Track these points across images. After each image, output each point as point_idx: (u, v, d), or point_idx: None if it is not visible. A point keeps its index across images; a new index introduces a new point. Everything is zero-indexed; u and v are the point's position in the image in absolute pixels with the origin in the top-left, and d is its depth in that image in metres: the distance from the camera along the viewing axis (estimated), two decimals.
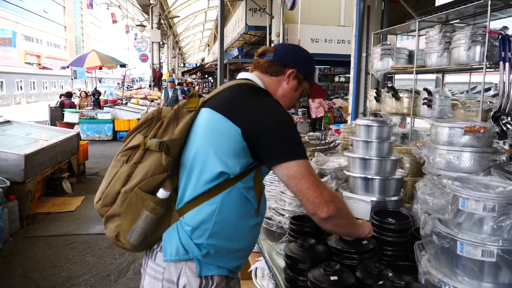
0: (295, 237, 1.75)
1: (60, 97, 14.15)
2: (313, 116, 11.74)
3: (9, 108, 24.47)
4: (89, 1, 37.99)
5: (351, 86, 5.23)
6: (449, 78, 7.33)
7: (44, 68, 41.48)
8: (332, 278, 1.37)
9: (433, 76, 4.01)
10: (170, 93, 12.67)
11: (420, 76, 3.72)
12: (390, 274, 1.42)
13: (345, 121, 9.39)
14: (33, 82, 35.02)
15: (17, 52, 39.93)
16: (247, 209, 1.36)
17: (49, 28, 54.28)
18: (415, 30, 3.56)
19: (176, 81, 16.67)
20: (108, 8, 30.10)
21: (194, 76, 30.22)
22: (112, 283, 3.63)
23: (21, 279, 3.71)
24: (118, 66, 15.74)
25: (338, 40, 11.54)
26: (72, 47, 62.78)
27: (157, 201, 1.28)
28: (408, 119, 3.75)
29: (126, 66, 19.45)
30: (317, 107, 11.61)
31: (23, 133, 6.68)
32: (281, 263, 1.79)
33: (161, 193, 1.29)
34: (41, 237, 4.67)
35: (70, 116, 12.03)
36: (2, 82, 28.44)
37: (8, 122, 7.19)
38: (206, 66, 23.40)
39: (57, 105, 13.18)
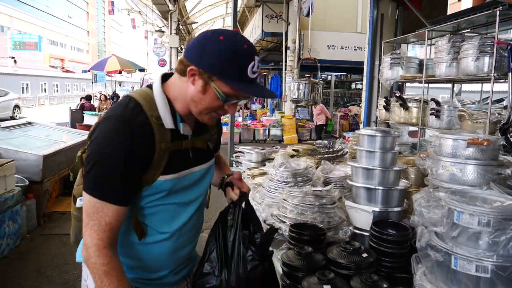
0: (294, 245, 1.77)
1: (81, 100, 14.48)
2: (314, 123, 11.73)
3: (33, 110, 25.15)
4: (111, 7, 38.89)
5: (364, 94, 5.21)
6: (466, 86, 7.21)
7: (67, 71, 42.54)
8: (326, 286, 1.39)
9: (449, 85, 3.96)
10: None
11: (437, 85, 3.69)
12: (385, 286, 1.42)
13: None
14: (57, 85, 35.93)
15: (42, 55, 41.08)
16: (128, 228, 1.33)
17: (73, 33, 55.70)
18: (427, 39, 3.54)
19: None
20: (129, 14, 30.75)
21: None
22: None
23: (35, 275, 3.83)
24: (137, 70, 16.04)
25: (354, 47, 11.49)
26: (94, 51, 64.22)
27: (76, 209, 1.41)
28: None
29: (145, 70, 19.81)
30: (317, 114, 11.57)
31: (43, 134, 6.87)
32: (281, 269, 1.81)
33: (78, 203, 1.38)
34: (56, 235, 4.80)
35: (89, 118, 12.30)
36: (27, 85, 29.28)
37: (29, 123, 7.43)
38: None
39: (78, 108, 13.49)
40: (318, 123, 11.63)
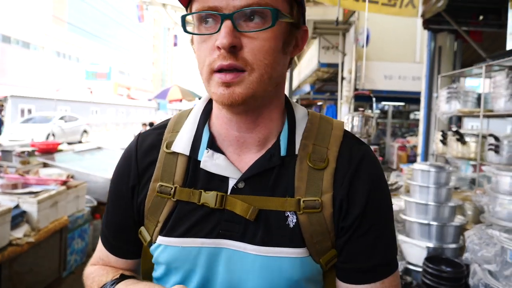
0: None
1: (143, 126, 15.42)
2: None
3: (101, 134, 27.06)
4: (175, 40, 41.36)
5: (421, 126, 5.12)
6: None
7: (132, 99, 45.49)
8: None
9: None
10: None
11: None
12: None
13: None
14: (122, 112, 38.53)
15: (111, 84, 44.42)
16: None
17: (139, 63, 59.80)
18: (486, 72, 3.47)
19: None
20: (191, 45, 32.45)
21: None
22: None
23: None
24: (197, 99, 16.86)
25: (412, 76, 11.28)
26: (157, 80, 68.26)
27: None
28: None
29: None
30: None
31: (110, 157, 7.43)
32: None
33: None
34: None
35: None
36: (97, 111, 31.69)
37: (99, 148, 8.09)
38: None
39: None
40: None
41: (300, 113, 0.79)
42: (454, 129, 3.30)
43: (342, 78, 11.78)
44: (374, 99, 3.05)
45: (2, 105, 19.62)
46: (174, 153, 0.77)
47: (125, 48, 54.97)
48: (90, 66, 35.09)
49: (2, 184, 2.82)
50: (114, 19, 50.42)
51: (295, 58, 12.85)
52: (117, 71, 49.92)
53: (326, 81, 14.71)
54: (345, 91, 11.93)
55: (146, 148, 0.80)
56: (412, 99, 12.44)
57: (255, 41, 0.64)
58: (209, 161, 0.73)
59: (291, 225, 0.71)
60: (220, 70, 0.65)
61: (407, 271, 2.07)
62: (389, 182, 3.30)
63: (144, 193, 0.78)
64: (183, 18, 0.68)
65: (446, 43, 4.99)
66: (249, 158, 0.74)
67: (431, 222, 2.07)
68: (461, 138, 3.26)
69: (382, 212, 0.74)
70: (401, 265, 2.05)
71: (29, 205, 2.69)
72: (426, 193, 2.12)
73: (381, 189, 0.74)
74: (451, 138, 3.48)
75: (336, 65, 12.19)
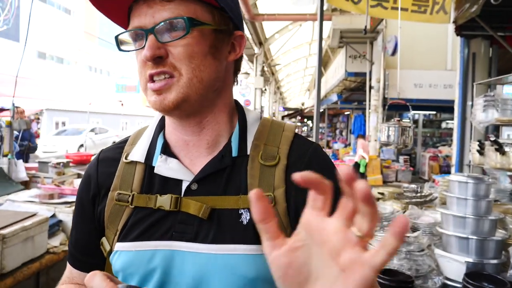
0: None
1: None
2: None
3: None
4: None
5: (455, 135, 4.97)
6: None
7: None
8: None
9: None
10: None
11: None
12: None
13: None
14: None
15: (140, 96, 45.62)
16: None
17: None
18: None
19: None
20: None
21: (293, 119, 31.01)
22: None
23: None
24: None
25: (444, 85, 11.01)
26: None
27: None
28: None
29: None
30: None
31: None
32: None
33: None
34: None
35: None
36: (126, 123, 32.54)
37: None
38: (305, 111, 23.90)
39: None
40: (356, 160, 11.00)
41: (252, 117, 0.82)
42: (493, 138, 3.17)
43: (370, 87, 11.63)
44: (411, 108, 2.98)
45: (38, 118, 20.45)
46: (132, 162, 0.79)
47: None
48: (120, 80, 36.18)
49: (40, 195, 2.91)
50: None
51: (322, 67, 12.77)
52: None
53: (354, 90, 14.57)
54: (374, 100, 11.76)
55: (107, 161, 0.84)
56: (443, 107, 12.13)
57: (177, 48, 0.69)
58: (163, 166, 0.76)
59: (245, 222, 0.71)
60: (152, 78, 0.70)
61: (445, 287, 1.99)
62: (422, 194, 3.21)
63: (104, 202, 0.79)
64: (116, 37, 0.74)
65: (480, 50, 4.84)
66: (201, 161, 0.77)
67: (470, 236, 1.98)
68: (500, 148, 3.13)
69: (337, 197, 0.73)
70: (439, 281, 1.97)
71: (65, 215, 2.76)
72: (464, 205, 2.03)
73: (333, 175, 0.69)
74: (489, 148, 3.34)
75: (363, 74, 12.07)
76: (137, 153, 0.80)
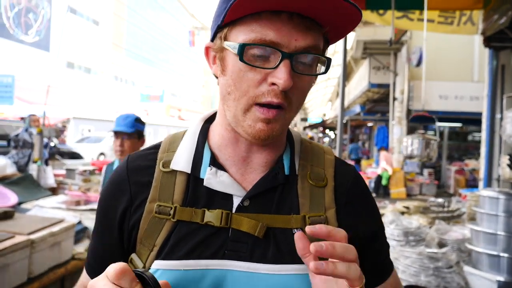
0: None
1: None
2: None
3: None
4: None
5: (483, 149, 4.82)
6: None
7: (182, 120, 47.14)
8: None
9: None
10: None
11: None
12: None
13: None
14: (173, 132, 39.94)
15: (164, 106, 46.38)
16: None
17: (189, 85, 62.15)
18: None
19: None
20: None
21: (315, 130, 30.86)
22: None
23: None
24: None
25: (470, 96, 10.77)
26: (207, 102, 70.32)
27: None
28: None
29: None
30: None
31: None
32: None
33: None
34: None
35: None
36: (150, 132, 33.13)
37: None
38: (327, 122, 23.76)
39: None
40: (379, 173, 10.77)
41: (297, 136, 0.82)
42: None
43: (394, 99, 11.49)
44: (436, 120, 2.91)
45: (65, 126, 21.06)
46: (172, 172, 0.73)
47: (177, 72, 57.49)
48: (145, 89, 36.91)
49: (67, 201, 2.98)
50: (167, 44, 53.12)
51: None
52: (169, 93, 52.10)
53: (377, 102, 14.42)
54: (397, 112, 11.60)
55: (139, 169, 0.76)
56: (470, 120, 11.84)
57: (302, 83, 0.66)
58: (213, 179, 0.71)
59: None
60: (267, 105, 0.64)
61: None
62: (450, 208, 3.12)
63: (138, 215, 0.72)
64: (242, 47, 0.63)
65: (509, 62, 4.71)
66: (253, 177, 0.74)
67: (502, 254, 1.92)
68: None
69: (378, 218, 0.83)
70: None
71: (91, 221, 2.81)
72: (495, 222, 1.97)
73: (371, 198, 0.82)
74: None
75: (387, 86, 11.94)
76: (181, 162, 0.74)
